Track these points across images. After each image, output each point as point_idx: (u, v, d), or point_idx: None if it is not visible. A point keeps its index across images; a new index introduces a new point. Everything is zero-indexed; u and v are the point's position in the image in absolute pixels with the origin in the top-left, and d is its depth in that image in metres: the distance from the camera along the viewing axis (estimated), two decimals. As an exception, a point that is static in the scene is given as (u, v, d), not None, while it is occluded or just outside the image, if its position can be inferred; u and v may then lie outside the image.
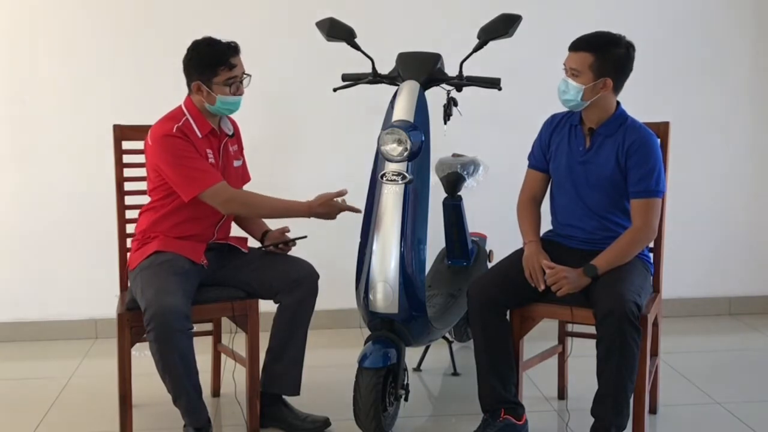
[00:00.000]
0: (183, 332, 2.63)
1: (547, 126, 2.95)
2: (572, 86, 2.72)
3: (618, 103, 2.81)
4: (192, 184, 2.76)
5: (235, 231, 3.07)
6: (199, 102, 2.85)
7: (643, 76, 4.06)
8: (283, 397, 3.00)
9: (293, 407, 3.00)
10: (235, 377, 3.14)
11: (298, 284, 2.89)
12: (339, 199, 2.87)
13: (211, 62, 2.79)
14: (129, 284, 2.91)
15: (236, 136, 3.04)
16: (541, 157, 2.92)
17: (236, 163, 3.00)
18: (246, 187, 3.14)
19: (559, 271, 2.68)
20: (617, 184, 2.75)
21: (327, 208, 2.85)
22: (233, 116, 3.03)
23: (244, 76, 2.86)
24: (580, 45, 2.72)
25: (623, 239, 2.72)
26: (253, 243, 3.07)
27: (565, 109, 2.87)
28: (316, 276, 2.94)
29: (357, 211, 2.86)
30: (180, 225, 2.85)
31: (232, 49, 2.82)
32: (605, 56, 2.69)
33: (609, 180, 2.75)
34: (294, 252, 3.04)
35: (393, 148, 2.78)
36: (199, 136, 2.83)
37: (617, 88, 2.76)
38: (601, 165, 2.76)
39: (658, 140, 2.83)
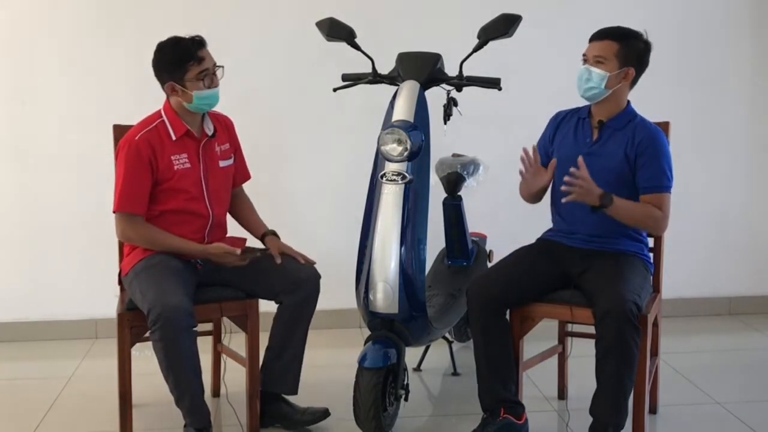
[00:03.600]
0: (188, 330, 2.63)
1: (552, 122, 2.96)
2: (596, 73, 2.72)
3: (628, 101, 2.83)
4: (118, 199, 2.79)
5: (234, 231, 3.07)
6: (177, 103, 2.84)
7: (644, 76, 4.08)
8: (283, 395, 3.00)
9: (292, 403, 3.00)
10: (234, 378, 3.13)
11: (299, 285, 2.89)
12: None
13: (179, 60, 2.77)
14: (125, 288, 2.88)
15: (226, 134, 3.00)
16: (542, 153, 2.92)
17: (223, 163, 2.96)
18: (246, 187, 3.14)
19: (582, 177, 2.59)
20: (623, 178, 2.73)
21: (218, 257, 2.82)
22: (227, 113, 3.03)
23: (216, 67, 2.84)
24: (605, 34, 2.76)
25: (645, 207, 2.71)
26: (252, 243, 3.06)
27: (557, 110, 2.88)
28: (318, 276, 2.94)
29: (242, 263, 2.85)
30: (171, 228, 2.84)
31: (197, 43, 2.79)
32: (630, 46, 2.75)
33: (615, 172, 2.73)
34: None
35: (393, 148, 2.79)
36: (173, 138, 2.83)
37: (635, 81, 2.79)
38: (608, 157, 2.76)
39: (666, 137, 2.83)
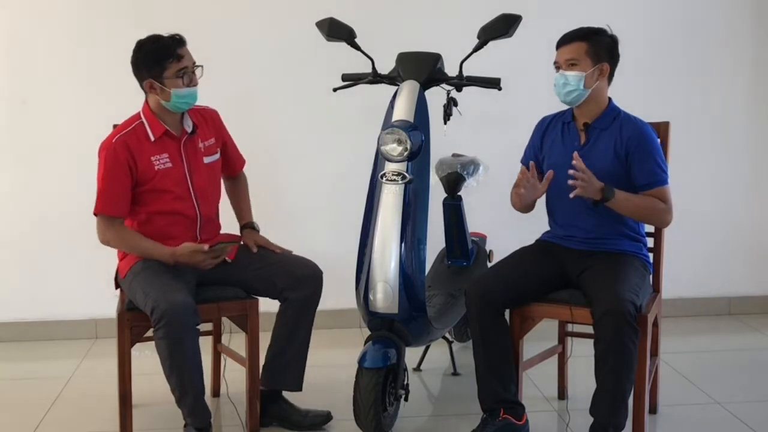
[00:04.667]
0: (192, 329, 2.64)
1: (538, 128, 2.96)
2: (572, 76, 2.73)
3: (609, 98, 2.83)
4: (98, 202, 2.79)
5: (228, 229, 3.07)
6: (155, 102, 2.84)
7: (643, 76, 4.09)
8: (284, 394, 3.00)
9: (293, 404, 3.00)
10: (233, 378, 3.13)
11: (302, 281, 2.89)
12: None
13: (158, 57, 2.77)
14: (123, 291, 2.89)
15: (211, 128, 2.98)
16: (533, 159, 2.92)
17: (207, 159, 2.95)
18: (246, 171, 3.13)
19: (582, 169, 2.60)
20: (617, 177, 2.73)
21: (187, 257, 2.79)
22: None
23: (195, 66, 2.84)
24: (571, 37, 2.77)
25: (648, 199, 2.71)
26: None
27: (554, 112, 2.87)
28: (321, 272, 2.94)
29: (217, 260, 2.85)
30: (161, 229, 2.84)
31: (176, 41, 2.79)
32: (598, 42, 2.76)
33: (608, 173, 2.72)
34: (295, 252, 3.03)
35: (393, 148, 2.79)
36: (152, 139, 2.82)
37: (611, 76, 2.79)
38: (599, 158, 2.76)
39: (651, 128, 2.83)
